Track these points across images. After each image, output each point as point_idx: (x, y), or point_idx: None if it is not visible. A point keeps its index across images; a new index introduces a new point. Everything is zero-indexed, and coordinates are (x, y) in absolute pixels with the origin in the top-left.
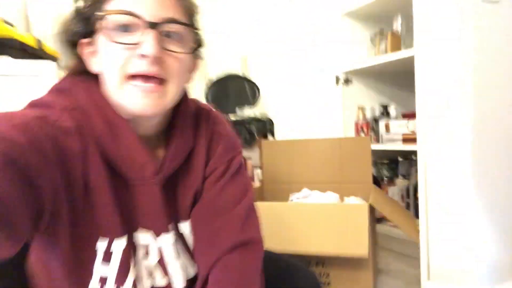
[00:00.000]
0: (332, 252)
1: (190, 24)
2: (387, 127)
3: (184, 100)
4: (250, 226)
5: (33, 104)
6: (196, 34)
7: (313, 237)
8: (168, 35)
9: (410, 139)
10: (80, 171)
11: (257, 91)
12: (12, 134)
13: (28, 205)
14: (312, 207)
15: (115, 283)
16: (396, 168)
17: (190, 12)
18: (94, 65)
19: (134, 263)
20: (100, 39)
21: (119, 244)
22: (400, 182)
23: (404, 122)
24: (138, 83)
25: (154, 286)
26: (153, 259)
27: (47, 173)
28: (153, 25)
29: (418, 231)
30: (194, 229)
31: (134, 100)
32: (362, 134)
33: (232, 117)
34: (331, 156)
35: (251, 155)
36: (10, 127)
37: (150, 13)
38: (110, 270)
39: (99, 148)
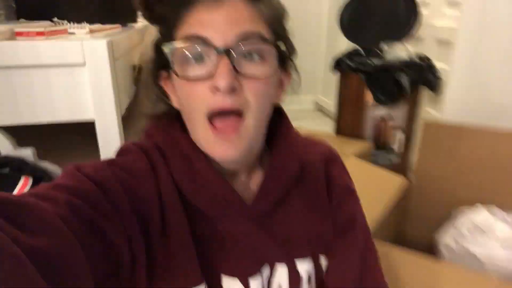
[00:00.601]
0: None
1: (272, 38)
2: None
3: (280, 118)
4: None
5: (118, 153)
6: (282, 47)
7: None
8: (247, 54)
9: None
10: (157, 214)
11: (416, 17)
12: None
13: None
14: None
15: None
16: None
17: (274, 20)
18: (174, 101)
19: None
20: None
21: None
22: None
23: None
24: (216, 123)
25: None
26: None
27: (118, 219)
28: (225, 51)
29: None
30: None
31: (211, 146)
32: None
33: (375, 60)
34: None
35: (395, 114)
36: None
37: (222, 34)
38: None
39: (176, 186)
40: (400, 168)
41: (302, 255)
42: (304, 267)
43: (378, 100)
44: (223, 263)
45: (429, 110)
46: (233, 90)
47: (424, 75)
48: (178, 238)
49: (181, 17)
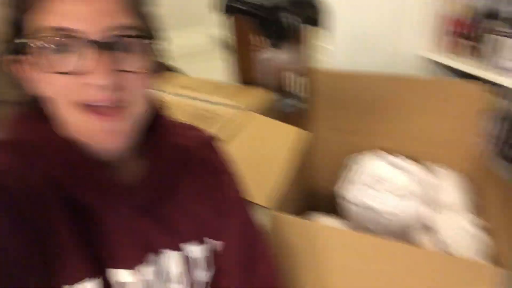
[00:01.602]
0: None
1: (146, 29)
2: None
3: (156, 107)
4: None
5: None
6: (155, 35)
7: None
8: (124, 48)
9: None
10: (38, 215)
11: None
12: None
13: None
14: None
15: None
16: None
17: (144, 10)
18: (32, 88)
19: None
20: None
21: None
22: None
23: None
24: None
25: None
26: None
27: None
28: (102, 46)
29: None
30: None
31: (93, 136)
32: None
33: (264, 1)
34: (422, 104)
35: (290, 57)
36: None
37: (96, 27)
38: None
39: (53, 181)
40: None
41: (190, 240)
42: (192, 251)
43: (272, 44)
44: (111, 254)
45: (322, 47)
46: (114, 86)
47: (312, 13)
48: (62, 235)
49: (36, 2)
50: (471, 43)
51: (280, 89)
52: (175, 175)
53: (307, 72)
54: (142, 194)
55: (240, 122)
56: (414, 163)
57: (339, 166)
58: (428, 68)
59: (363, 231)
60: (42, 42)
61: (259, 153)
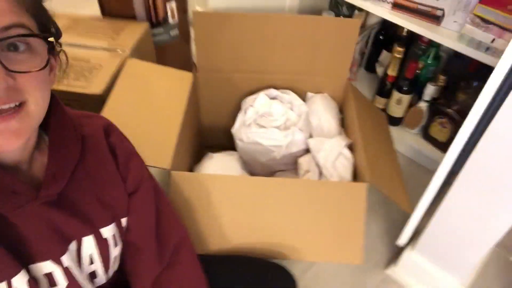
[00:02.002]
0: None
1: (38, 28)
2: None
3: (54, 104)
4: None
5: None
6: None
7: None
8: (13, 48)
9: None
10: None
11: None
12: None
13: None
14: (281, 184)
15: None
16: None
17: (36, 8)
18: None
19: None
20: None
21: (20, 278)
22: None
23: None
24: None
25: None
26: (62, 285)
27: None
28: None
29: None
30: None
31: None
32: None
33: None
34: (301, 38)
35: None
36: None
37: None
38: None
39: None
40: (184, 38)
41: (105, 224)
42: (109, 233)
43: None
44: (30, 251)
45: None
46: (7, 89)
47: None
48: None
49: None
50: None
51: (156, 20)
52: (75, 165)
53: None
54: (47, 189)
55: (125, 73)
56: (295, 94)
57: (229, 106)
58: None
59: (256, 163)
60: None
61: (151, 107)
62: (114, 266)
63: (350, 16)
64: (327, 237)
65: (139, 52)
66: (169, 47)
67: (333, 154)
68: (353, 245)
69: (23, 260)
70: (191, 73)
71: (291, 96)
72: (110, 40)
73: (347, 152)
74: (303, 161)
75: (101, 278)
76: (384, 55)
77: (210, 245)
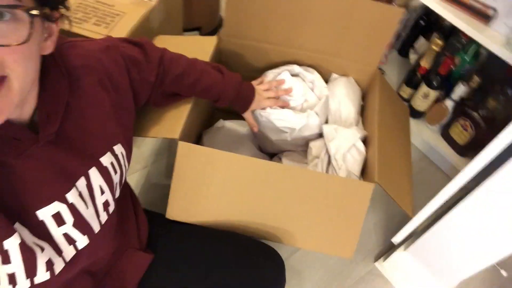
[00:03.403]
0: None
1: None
2: None
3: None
4: None
5: None
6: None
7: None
8: None
9: None
10: None
11: None
12: None
13: None
14: (281, 170)
15: (27, 277)
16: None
17: None
18: None
19: (49, 238)
20: None
21: (12, 242)
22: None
23: None
24: None
25: (78, 250)
26: (69, 222)
27: None
28: None
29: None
30: None
31: None
32: None
33: None
34: (335, 17)
35: None
36: None
37: None
38: (15, 268)
39: None
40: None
41: (102, 153)
42: (107, 161)
43: None
44: (36, 200)
45: None
46: None
47: None
48: None
49: None
50: None
51: None
52: (66, 101)
53: None
54: (44, 130)
55: None
56: (318, 75)
57: (249, 75)
58: None
59: (266, 139)
60: None
61: None
62: (117, 192)
63: None
64: (322, 229)
65: (166, 2)
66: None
67: (345, 145)
68: (346, 240)
69: (30, 207)
70: (215, 38)
71: (314, 76)
72: None
73: (360, 145)
74: (314, 146)
75: (113, 205)
76: (421, 42)
77: (205, 216)
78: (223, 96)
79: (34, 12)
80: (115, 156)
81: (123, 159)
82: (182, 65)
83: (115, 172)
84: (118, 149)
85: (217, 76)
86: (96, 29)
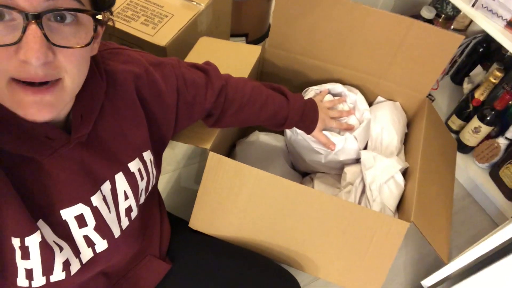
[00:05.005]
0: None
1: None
2: None
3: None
4: None
5: None
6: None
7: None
8: (59, 20)
9: None
10: None
11: None
12: None
13: None
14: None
15: (43, 275)
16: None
17: None
18: None
19: (69, 239)
20: None
21: (34, 239)
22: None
23: None
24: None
25: (96, 253)
26: (90, 224)
27: None
28: (34, 17)
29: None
30: None
31: (21, 107)
32: None
33: None
34: (388, 38)
35: None
36: None
37: None
38: (33, 264)
39: None
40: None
41: (131, 158)
42: (135, 167)
43: None
44: (62, 199)
45: None
46: (45, 63)
47: None
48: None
49: None
50: None
51: None
52: (101, 104)
53: None
54: (77, 131)
55: (195, 50)
56: (362, 96)
57: (290, 88)
58: None
59: (299, 158)
60: None
61: None
62: (141, 199)
63: (453, 17)
64: (348, 262)
65: (215, 7)
66: (247, 4)
67: (383, 176)
68: (372, 278)
69: (55, 206)
70: (259, 47)
71: (357, 97)
72: None
73: (399, 178)
74: (349, 172)
75: (135, 211)
76: (477, 71)
77: (227, 230)
78: (288, 122)
79: (99, 17)
80: (144, 162)
81: (151, 166)
82: (247, 92)
83: (142, 178)
84: (147, 155)
85: (282, 100)
86: (144, 28)
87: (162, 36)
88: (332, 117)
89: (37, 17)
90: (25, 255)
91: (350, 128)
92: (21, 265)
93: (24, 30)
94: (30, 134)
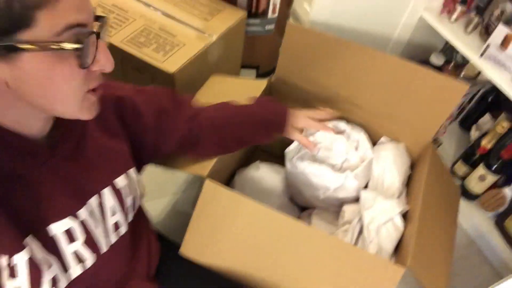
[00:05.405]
0: None
1: None
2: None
3: None
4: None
5: None
6: None
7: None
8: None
9: None
10: None
11: None
12: None
13: None
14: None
15: None
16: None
17: None
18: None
19: (58, 254)
20: (34, 57)
21: (21, 257)
22: None
23: None
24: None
25: (84, 269)
26: (79, 239)
27: None
28: (99, 34)
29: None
30: None
31: (85, 111)
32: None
33: None
34: (394, 82)
35: None
36: None
37: (90, 14)
38: (20, 282)
39: None
40: (280, 32)
41: (118, 174)
42: (122, 183)
43: None
44: (49, 215)
45: None
46: None
47: None
48: None
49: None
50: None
51: (255, 10)
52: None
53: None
54: (62, 145)
55: (205, 87)
56: (365, 136)
57: None
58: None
59: (298, 192)
60: (63, 41)
61: None
62: (129, 215)
63: (462, 65)
64: None
65: (227, 39)
66: (260, 38)
67: (382, 218)
68: None
69: (43, 220)
70: (265, 81)
71: (360, 136)
72: (203, 21)
73: (398, 221)
74: (347, 210)
75: (124, 228)
76: (486, 119)
77: (218, 261)
78: (264, 120)
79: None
80: (130, 179)
81: (136, 183)
82: (220, 115)
83: (128, 194)
84: (133, 172)
85: (252, 106)
86: (154, 54)
87: (172, 63)
88: (310, 117)
89: (99, 33)
90: (13, 273)
91: (331, 131)
92: (8, 285)
93: (100, 47)
94: (14, 148)
